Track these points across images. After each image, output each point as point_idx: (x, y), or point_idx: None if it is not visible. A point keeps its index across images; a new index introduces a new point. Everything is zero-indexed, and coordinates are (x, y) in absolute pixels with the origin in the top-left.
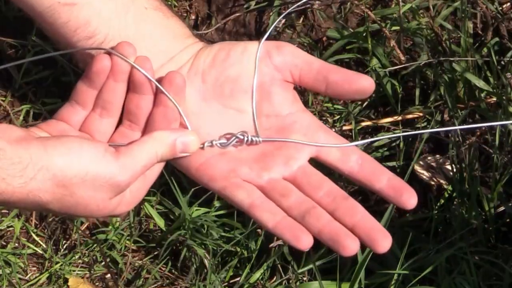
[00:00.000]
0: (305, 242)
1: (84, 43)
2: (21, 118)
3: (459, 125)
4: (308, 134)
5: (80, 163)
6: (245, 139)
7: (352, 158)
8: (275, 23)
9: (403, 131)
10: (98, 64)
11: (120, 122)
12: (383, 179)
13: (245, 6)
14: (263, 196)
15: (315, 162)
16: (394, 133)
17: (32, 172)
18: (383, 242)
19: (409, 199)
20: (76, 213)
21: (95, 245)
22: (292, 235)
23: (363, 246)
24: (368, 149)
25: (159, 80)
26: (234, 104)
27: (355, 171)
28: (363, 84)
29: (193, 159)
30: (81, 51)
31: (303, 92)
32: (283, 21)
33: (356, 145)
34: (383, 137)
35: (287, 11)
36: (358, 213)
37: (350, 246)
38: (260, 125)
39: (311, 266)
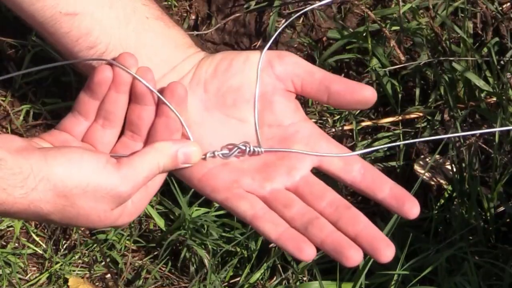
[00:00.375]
0: (308, 253)
1: (85, 53)
2: (21, 118)
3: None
4: (310, 143)
5: (81, 173)
6: (247, 149)
7: (354, 167)
8: (276, 34)
9: (403, 130)
10: (100, 75)
11: (122, 132)
12: (385, 189)
13: (245, 6)
14: (266, 207)
15: (318, 172)
16: (394, 133)
17: (33, 183)
18: (386, 251)
19: (412, 208)
20: (77, 224)
21: (95, 245)
22: (295, 246)
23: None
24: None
25: (161, 91)
26: (236, 114)
27: (357, 180)
28: (365, 94)
29: (195, 169)
30: (82, 62)
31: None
32: (283, 21)
33: (358, 154)
34: (385, 146)
35: (289, 20)
36: (361, 222)
37: (353, 257)
38: (263, 135)
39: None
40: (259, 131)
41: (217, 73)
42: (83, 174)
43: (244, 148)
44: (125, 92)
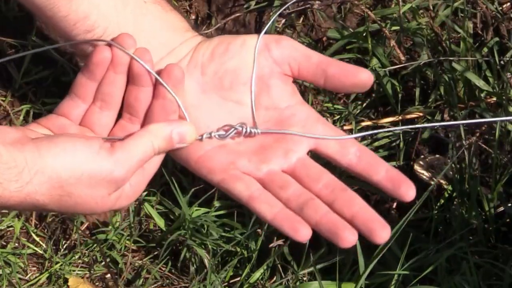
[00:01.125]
0: (303, 234)
1: (83, 37)
2: (21, 118)
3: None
4: (306, 126)
5: (74, 163)
6: (244, 130)
7: (350, 150)
8: (274, 17)
9: (403, 132)
10: (99, 55)
11: (120, 116)
12: (381, 171)
13: (245, 6)
14: (262, 188)
15: (314, 155)
16: (394, 133)
17: (28, 176)
18: (382, 232)
19: (407, 191)
20: (76, 212)
21: (95, 245)
22: (290, 226)
23: (364, 247)
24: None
25: (158, 73)
26: (233, 97)
27: (353, 163)
28: (361, 77)
29: (193, 151)
30: (80, 45)
31: (303, 93)
32: (283, 21)
33: (355, 138)
34: (382, 130)
35: (287, 4)
36: (357, 204)
37: (347, 238)
38: (259, 118)
39: (311, 267)
40: (255, 113)
41: (214, 56)
42: (77, 164)
43: (240, 129)
44: (123, 73)
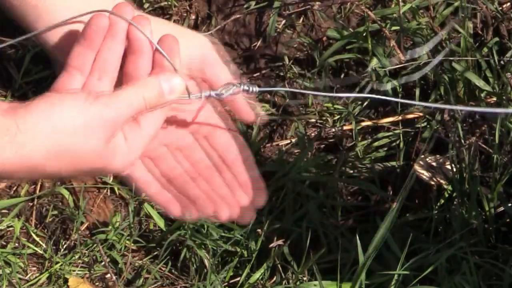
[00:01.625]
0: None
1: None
2: None
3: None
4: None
5: (64, 116)
6: (242, 87)
7: None
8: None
9: (403, 130)
10: (97, 22)
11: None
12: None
13: (245, 6)
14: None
15: None
16: (394, 133)
17: (21, 139)
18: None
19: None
20: (78, 170)
21: (95, 245)
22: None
23: (364, 247)
24: (368, 149)
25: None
26: None
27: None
28: (244, 119)
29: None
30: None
31: (303, 93)
32: (283, 21)
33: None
34: (375, 96)
35: None
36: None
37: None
38: None
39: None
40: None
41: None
42: (67, 116)
43: (239, 86)
44: (122, 40)
